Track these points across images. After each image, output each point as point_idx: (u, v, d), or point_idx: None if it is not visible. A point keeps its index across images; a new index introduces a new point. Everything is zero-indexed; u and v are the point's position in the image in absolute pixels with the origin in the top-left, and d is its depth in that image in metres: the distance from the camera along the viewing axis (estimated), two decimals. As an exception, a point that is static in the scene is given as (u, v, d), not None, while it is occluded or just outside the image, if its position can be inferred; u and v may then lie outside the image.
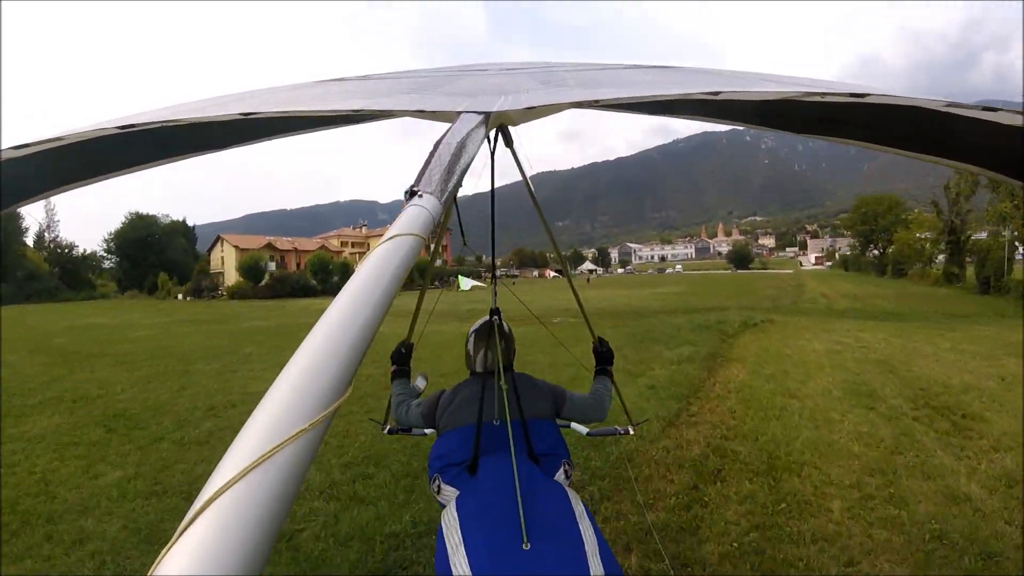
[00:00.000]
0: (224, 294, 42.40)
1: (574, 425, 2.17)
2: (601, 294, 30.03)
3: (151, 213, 52.18)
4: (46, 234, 49.00)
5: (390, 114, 1.44)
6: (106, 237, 49.24)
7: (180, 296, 41.07)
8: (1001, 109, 1.03)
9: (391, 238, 1.02)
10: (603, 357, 2.28)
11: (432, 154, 1.17)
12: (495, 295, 1.93)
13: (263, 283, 44.64)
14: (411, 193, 1.15)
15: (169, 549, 0.49)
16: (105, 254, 49.02)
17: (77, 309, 29.71)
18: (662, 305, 21.69)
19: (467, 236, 1.98)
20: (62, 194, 2.02)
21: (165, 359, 10.65)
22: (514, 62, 2.14)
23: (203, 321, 20.60)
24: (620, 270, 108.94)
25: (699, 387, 6.79)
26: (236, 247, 54.97)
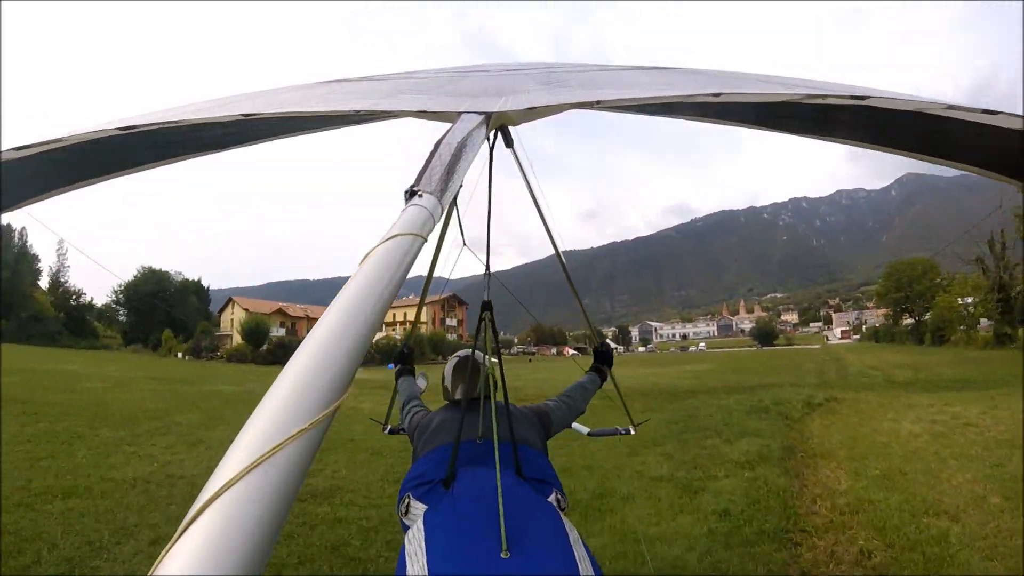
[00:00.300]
0: (223, 356, 45.30)
1: (575, 425, 2.46)
2: (627, 372, 31.14)
3: (164, 269, 57.55)
4: (59, 277, 54.95)
5: (392, 115, 1.71)
6: (116, 288, 54.42)
7: (180, 354, 44.27)
8: (1001, 112, 1.25)
9: (391, 238, 1.23)
10: (601, 357, 2.72)
11: (433, 154, 1.42)
12: (488, 288, 2.21)
13: (265, 348, 48.28)
14: (411, 193, 1.36)
15: (169, 549, 0.64)
16: (114, 305, 52.52)
17: (66, 355, 32.26)
18: (698, 384, 22.28)
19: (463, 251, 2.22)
20: (65, 193, 2.33)
21: (78, 417, 11.16)
22: (515, 63, 2.49)
23: (170, 380, 21.95)
24: (641, 348, 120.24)
25: (794, 507, 5.68)
26: (246, 310, 61.41)
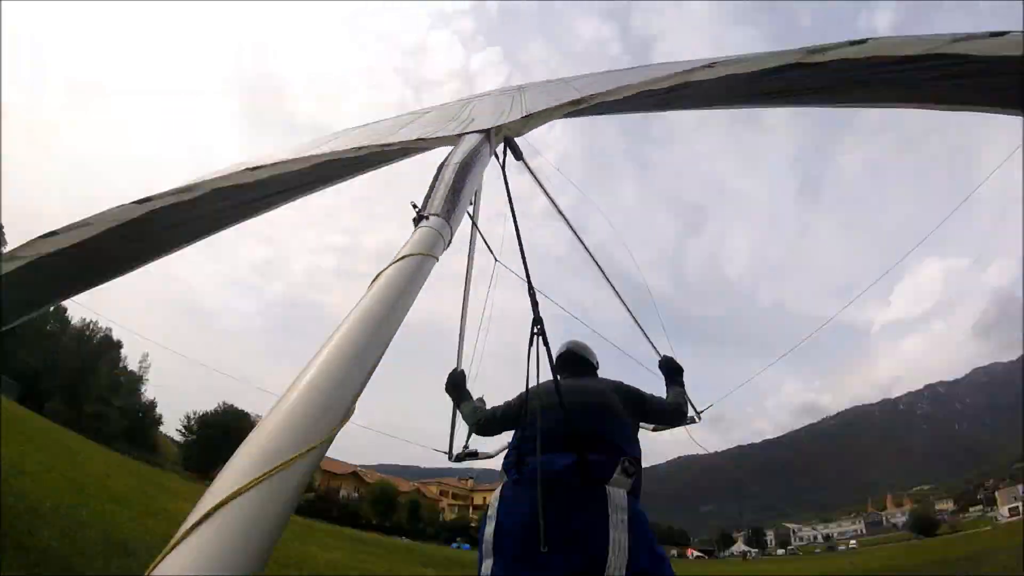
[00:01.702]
0: None
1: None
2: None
3: (246, 410, 57.01)
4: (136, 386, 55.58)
5: (394, 148, 1.73)
6: (189, 415, 54.17)
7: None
8: (1010, 31, 1.09)
9: (401, 259, 1.19)
10: (672, 371, 2.72)
11: (436, 177, 1.41)
12: (535, 305, 2.07)
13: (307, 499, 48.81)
14: (418, 218, 1.34)
15: (155, 567, 0.60)
16: (183, 430, 53.87)
17: (85, 450, 22.92)
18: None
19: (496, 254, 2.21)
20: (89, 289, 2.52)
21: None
22: (514, 84, 2.47)
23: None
24: (780, 551, 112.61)
25: None
26: (324, 470, 62.25)
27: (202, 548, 0.59)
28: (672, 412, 2.50)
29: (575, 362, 2.48)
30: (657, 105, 1.81)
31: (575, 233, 2.53)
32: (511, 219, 1.99)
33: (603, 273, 2.70)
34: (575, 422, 1.93)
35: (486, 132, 1.55)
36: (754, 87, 1.57)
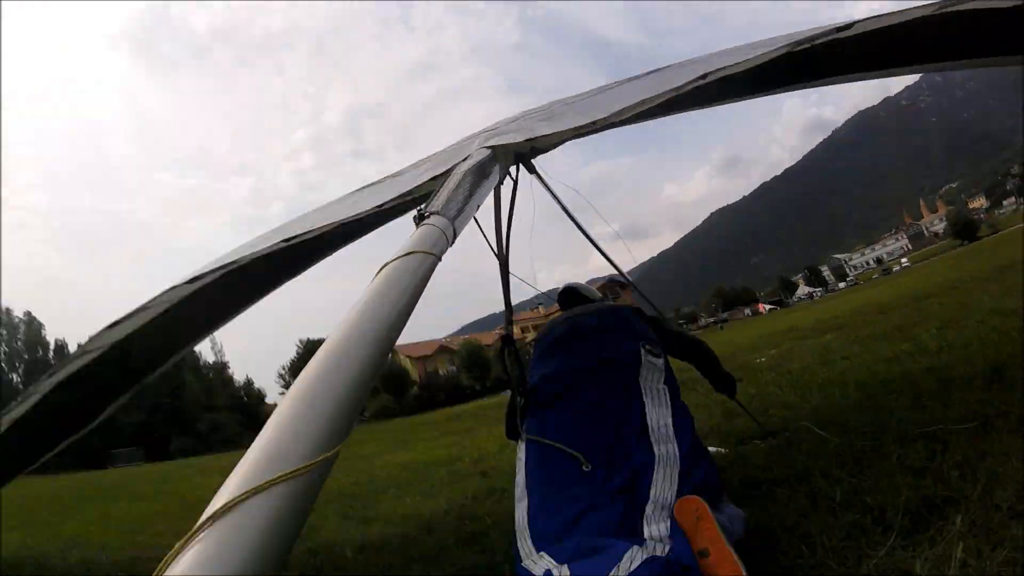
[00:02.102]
0: (366, 416, 40.22)
1: None
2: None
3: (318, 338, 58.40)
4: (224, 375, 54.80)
5: (414, 194, 1.82)
6: (280, 371, 53.20)
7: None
8: None
9: (404, 255, 1.24)
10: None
11: (442, 184, 1.47)
12: (510, 322, 2.32)
13: (410, 393, 46.90)
14: (420, 217, 1.40)
15: None
16: (283, 388, 52.06)
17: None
18: None
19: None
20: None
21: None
22: (519, 112, 2.58)
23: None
24: (842, 284, 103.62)
25: None
26: (410, 357, 57.68)
27: (213, 548, 0.58)
28: (695, 340, 2.37)
29: (577, 301, 2.40)
30: (657, 113, 1.84)
31: (593, 243, 2.54)
32: (523, 232, 2.08)
33: (625, 277, 2.68)
34: (590, 323, 2.06)
35: (494, 149, 1.61)
36: (747, 84, 1.58)
